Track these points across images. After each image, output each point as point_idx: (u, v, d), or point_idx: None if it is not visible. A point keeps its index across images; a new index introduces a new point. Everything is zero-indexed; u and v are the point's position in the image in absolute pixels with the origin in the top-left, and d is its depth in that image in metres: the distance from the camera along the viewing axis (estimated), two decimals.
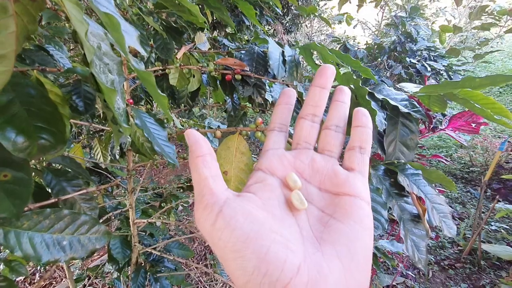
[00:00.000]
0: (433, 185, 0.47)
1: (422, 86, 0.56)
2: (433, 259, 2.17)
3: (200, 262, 1.97)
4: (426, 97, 0.53)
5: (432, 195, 0.43)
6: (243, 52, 0.66)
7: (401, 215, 0.43)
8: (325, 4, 5.93)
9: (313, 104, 0.27)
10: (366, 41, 3.19)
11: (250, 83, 0.61)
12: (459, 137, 0.75)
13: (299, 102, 0.60)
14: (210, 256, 1.95)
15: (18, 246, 0.35)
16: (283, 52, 0.63)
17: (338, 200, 0.22)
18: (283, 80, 0.58)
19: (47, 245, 0.37)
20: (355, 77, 0.47)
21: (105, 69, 0.28)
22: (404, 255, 0.84)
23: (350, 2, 2.53)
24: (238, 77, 0.61)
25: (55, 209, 0.39)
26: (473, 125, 0.67)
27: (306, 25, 6.08)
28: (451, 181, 0.46)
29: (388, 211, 0.47)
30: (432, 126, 0.70)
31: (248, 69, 0.61)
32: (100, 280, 1.73)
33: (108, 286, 1.68)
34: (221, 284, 1.74)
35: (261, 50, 0.67)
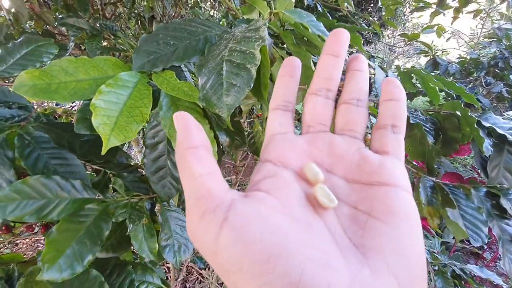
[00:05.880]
0: None
1: None
2: None
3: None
4: None
5: None
6: None
7: (500, 235, 0.47)
8: (410, 13, 5.57)
9: (326, 77, 0.21)
10: (459, 54, 2.94)
11: None
12: None
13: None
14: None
15: None
16: (386, 77, 0.71)
17: (373, 192, 0.17)
18: None
19: None
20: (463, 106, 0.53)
21: None
22: (494, 282, 0.82)
23: (444, 15, 2.39)
24: None
25: None
26: None
27: (388, 35, 5.80)
28: None
29: None
30: None
31: None
32: None
33: None
34: None
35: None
